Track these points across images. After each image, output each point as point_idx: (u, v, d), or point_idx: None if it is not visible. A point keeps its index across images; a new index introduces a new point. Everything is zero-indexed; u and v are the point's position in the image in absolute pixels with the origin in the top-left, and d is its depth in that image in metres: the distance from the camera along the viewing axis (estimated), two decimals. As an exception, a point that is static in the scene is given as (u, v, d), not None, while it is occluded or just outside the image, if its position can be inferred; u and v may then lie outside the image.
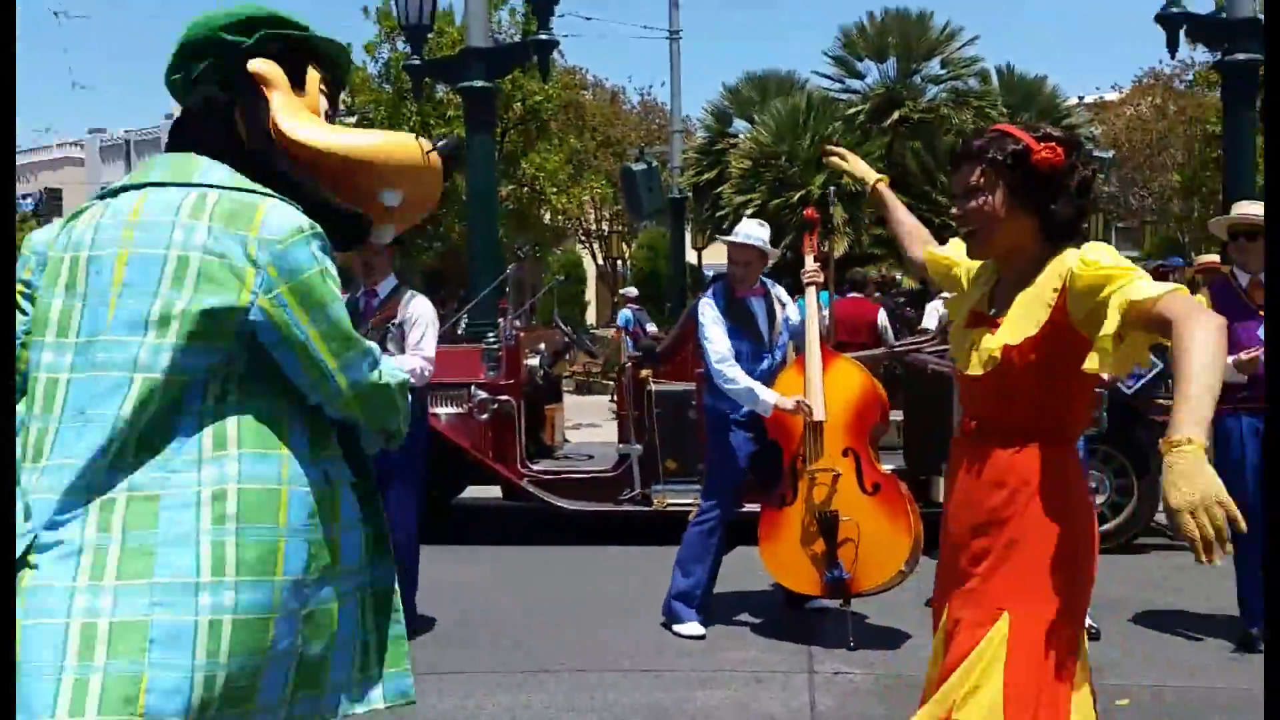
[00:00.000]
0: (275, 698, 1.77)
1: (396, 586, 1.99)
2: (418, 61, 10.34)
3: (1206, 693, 4.26)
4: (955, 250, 2.61)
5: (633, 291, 17.37)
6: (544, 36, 9.68)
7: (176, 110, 1.98)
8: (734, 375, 4.87)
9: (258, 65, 1.89)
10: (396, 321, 4.84)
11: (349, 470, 1.90)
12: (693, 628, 5.02)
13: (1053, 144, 2.26)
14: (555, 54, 12.99)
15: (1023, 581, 2.24)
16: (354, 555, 1.90)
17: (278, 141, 1.87)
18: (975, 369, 2.33)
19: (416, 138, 1.99)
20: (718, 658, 4.74)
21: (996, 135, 2.32)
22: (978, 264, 2.50)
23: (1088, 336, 2.13)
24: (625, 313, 14.84)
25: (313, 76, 1.98)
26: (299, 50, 1.97)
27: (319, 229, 1.80)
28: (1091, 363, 2.09)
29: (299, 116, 1.90)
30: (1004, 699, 2.16)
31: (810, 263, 5.11)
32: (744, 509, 5.46)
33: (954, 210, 2.39)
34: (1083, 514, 2.30)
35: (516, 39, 14.76)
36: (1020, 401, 2.29)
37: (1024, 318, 2.26)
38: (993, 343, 2.29)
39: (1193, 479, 1.78)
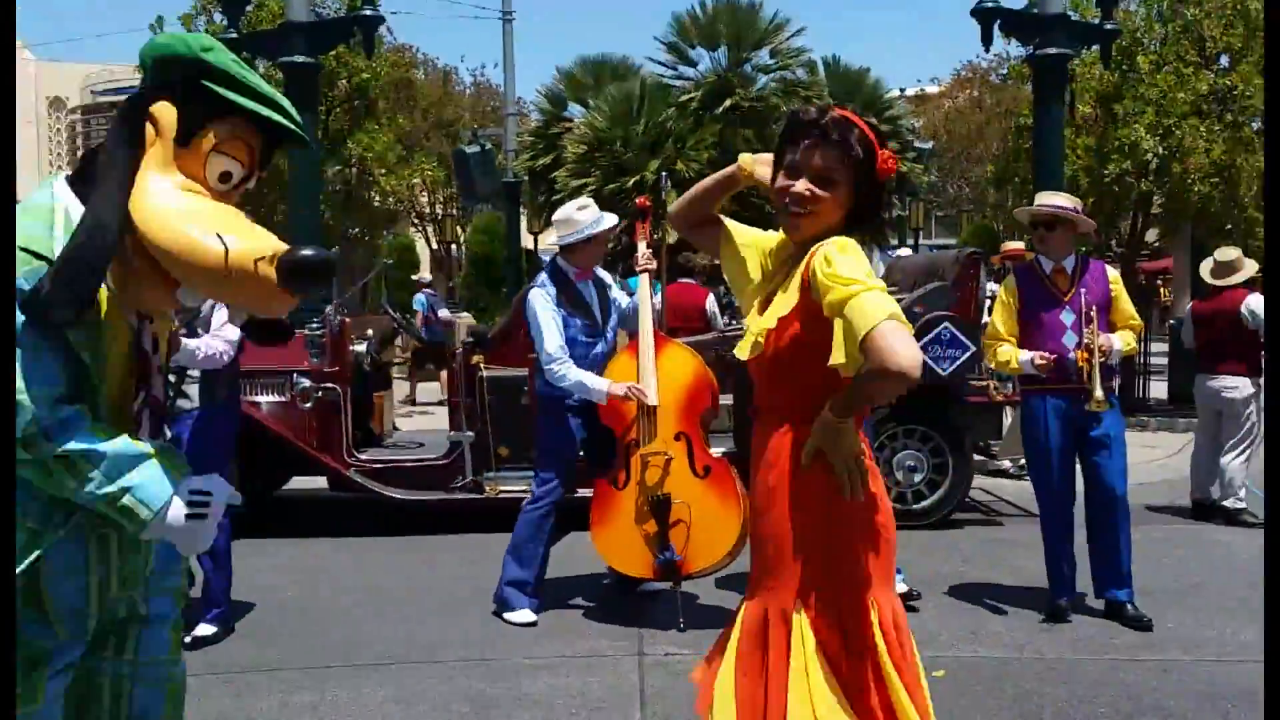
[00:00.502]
0: None
1: None
2: (235, 35, 9.88)
3: (1019, 663, 4.43)
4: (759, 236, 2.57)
5: (427, 277, 17.11)
6: (369, 12, 9.40)
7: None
8: (564, 371, 4.83)
9: (156, 109, 1.89)
10: (210, 304, 4.63)
11: None
12: (524, 615, 4.96)
13: (890, 152, 2.30)
14: (384, 31, 12.66)
15: (803, 569, 2.28)
16: None
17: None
18: (743, 353, 2.35)
19: (248, 257, 1.77)
20: (548, 644, 4.69)
21: (848, 123, 2.26)
22: (773, 248, 2.48)
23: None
24: (420, 297, 14.66)
25: (211, 134, 1.90)
26: (210, 103, 1.90)
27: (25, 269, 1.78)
28: (836, 360, 2.15)
29: (148, 177, 1.85)
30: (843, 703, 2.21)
31: (643, 249, 5.09)
32: (575, 494, 5.42)
33: (796, 187, 2.26)
34: (832, 494, 2.26)
35: (341, 14, 14.28)
36: (786, 383, 2.31)
37: (783, 302, 2.29)
38: (757, 327, 2.32)
39: (842, 442, 2.20)
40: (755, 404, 2.44)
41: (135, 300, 1.93)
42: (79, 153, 39.13)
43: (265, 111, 1.92)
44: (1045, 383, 4.89)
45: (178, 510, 1.88)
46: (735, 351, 2.39)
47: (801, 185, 2.26)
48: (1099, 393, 4.70)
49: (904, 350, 2.01)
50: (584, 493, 5.35)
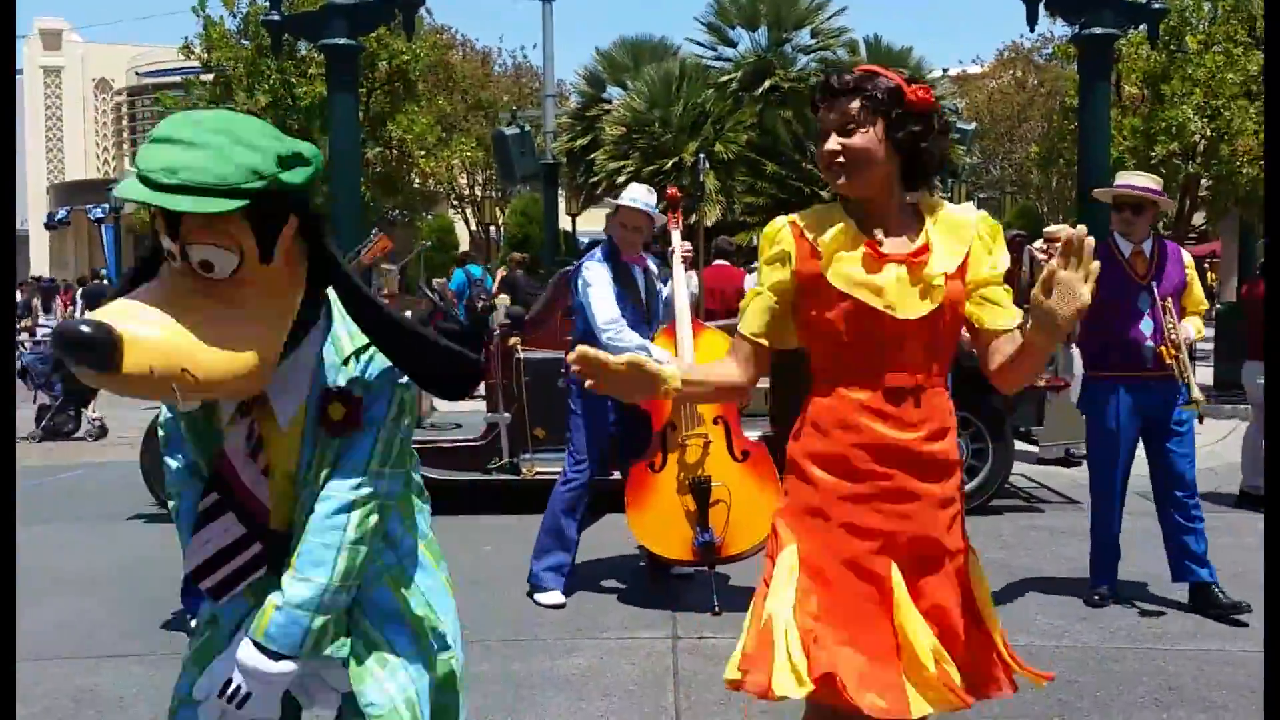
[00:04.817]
0: None
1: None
2: (277, 17, 9.92)
3: (1057, 650, 4.39)
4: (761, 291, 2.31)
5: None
6: (408, -7, 9.38)
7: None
8: (624, 335, 4.78)
9: None
10: None
11: None
12: (554, 596, 4.97)
13: (923, 85, 2.23)
14: (423, 12, 12.65)
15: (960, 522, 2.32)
16: None
17: None
18: (921, 307, 2.17)
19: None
20: (581, 626, 4.70)
21: (868, 73, 2.22)
22: (785, 247, 2.27)
23: (967, 287, 2.22)
24: (460, 273, 14.76)
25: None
26: None
27: None
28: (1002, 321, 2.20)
29: None
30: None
31: (677, 238, 5.10)
32: (609, 477, 5.42)
33: (826, 146, 2.21)
34: None
35: (382, -5, 14.32)
36: (942, 346, 2.23)
37: (949, 253, 2.21)
38: (932, 271, 2.17)
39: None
40: (899, 369, 2.21)
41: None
42: (124, 134, 39.54)
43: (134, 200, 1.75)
44: (1115, 369, 4.79)
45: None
46: (899, 312, 2.16)
47: (830, 142, 2.21)
48: (1197, 392, 4.55)
49: None
50: (616, 476, 5.35)
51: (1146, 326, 4.71)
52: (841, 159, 2.20)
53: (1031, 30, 9.86)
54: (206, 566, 1.92)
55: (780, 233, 2.29)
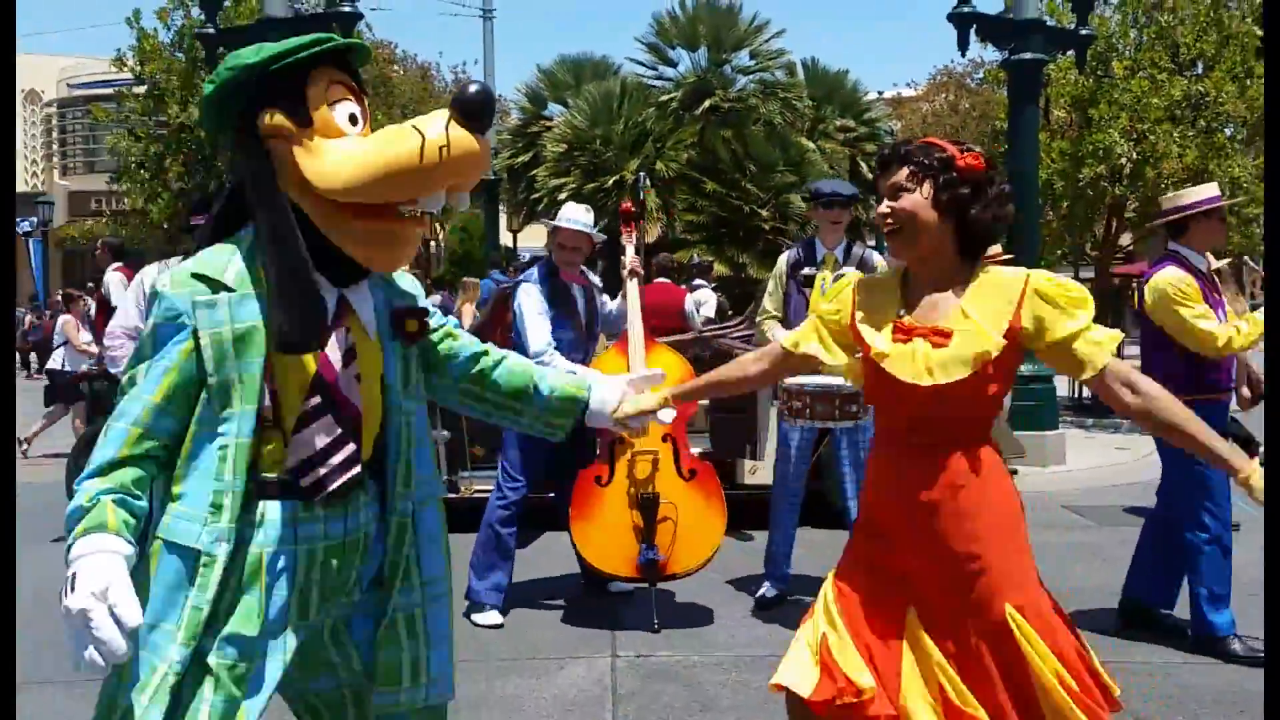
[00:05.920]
0: None
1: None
2: (212, 30, 9.84)
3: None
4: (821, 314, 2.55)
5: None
6: (347, 8, 9.37)
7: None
8: (555, 362, 4.77)
9: (263, 124, 1.95)
10: None
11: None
12: (492, 616, 4.94)
13: (975, 153, 2.31)
14: (362, 27, 12.57)
15: (1008, 574, 2.33)
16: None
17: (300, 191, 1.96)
18: (930, 378, 2.25)
19: (421, 137, 1.90)
20: (519, 645, 4.68)
21: (923, 144, 2.36)
22: (843, 304, 2.47)
23: (1030, 344, 2.30)
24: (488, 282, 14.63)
25: (315, 95, 1.97)
26: (285, 77, 1.96)
27: (158, 291, 1.94)
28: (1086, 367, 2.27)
29: (311, 160, 1.94)
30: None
31: (631, 253, 5.09)
32: (545, 495, 5.40)
33: (880, 209, 2.36)
34: (1016, 498, 2.41)
35: (319, 9, 14.23)
36: (963, 406, 2.29)
37: (985, 332, 2.26)
38: (963, 350, 2.24)
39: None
40: (912, 426, 2.34)
41: (391, 261, 2.07)
42: (53, 146, 38.77)
43: (323, 47, 1.98)
44: (1204, 390, 4.38)
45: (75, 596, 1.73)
46: (918, 380, 2.27)
47: (882, 206, 2.36)
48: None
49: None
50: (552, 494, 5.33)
51: None
52: (890, 220, 2.34)
53: (963, 55, 10.08)
54: (305, 465, 1.98)
55: (844, 290, 2.51)
